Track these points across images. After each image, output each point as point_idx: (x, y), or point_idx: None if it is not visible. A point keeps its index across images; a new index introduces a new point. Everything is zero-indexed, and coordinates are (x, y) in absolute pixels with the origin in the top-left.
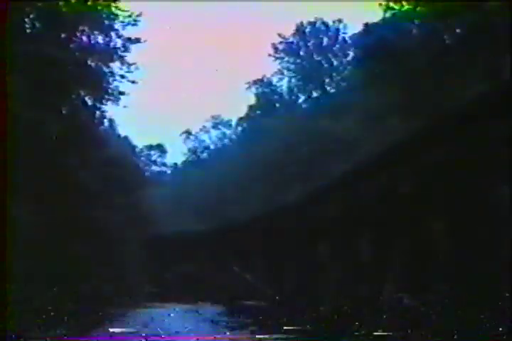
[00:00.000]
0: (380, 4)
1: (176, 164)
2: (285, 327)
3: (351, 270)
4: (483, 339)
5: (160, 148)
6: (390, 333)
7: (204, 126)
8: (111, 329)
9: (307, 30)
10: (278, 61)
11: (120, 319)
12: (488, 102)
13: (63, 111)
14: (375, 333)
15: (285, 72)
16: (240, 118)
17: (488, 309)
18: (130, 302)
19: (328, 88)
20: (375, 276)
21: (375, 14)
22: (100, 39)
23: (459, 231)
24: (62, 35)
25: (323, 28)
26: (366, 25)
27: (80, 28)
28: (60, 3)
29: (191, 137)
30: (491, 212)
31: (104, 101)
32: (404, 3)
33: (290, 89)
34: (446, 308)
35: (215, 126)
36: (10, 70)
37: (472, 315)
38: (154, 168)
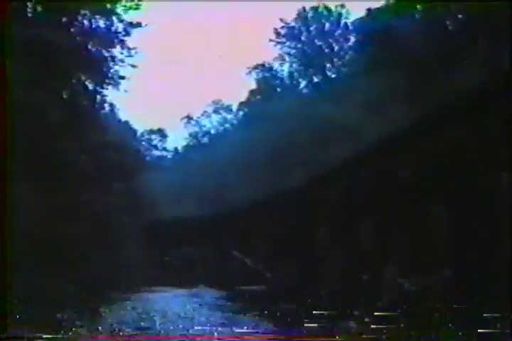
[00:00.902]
0: None
1: (176, 149)
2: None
3: (352, 255)
4: (482, 325)
5: (161, 133)
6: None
7: (205, 111)
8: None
9: (309, 15)
10: (279, 46)
11: (120, 303)
12: (489, 90)
13: (64, 96)
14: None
15: (286, 57)
16: (241, 103)
17: (488, 295)
18: (130, 287)
19: (329, 73)
20: (375, 261)
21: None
22: (101, 23)
23: (459, 218)
24: (63, 19)
25: (325, 13)
26: (369, 10)
27: (81, 11)
28: None
29: (192, 122)
30: (491, 198)
31: (104, 85)
32: None
33: (291, 74)
34: (447, 294)
35: (216, 111)
36: (10, 55)
37: (472, 301)
38: (155, 152)
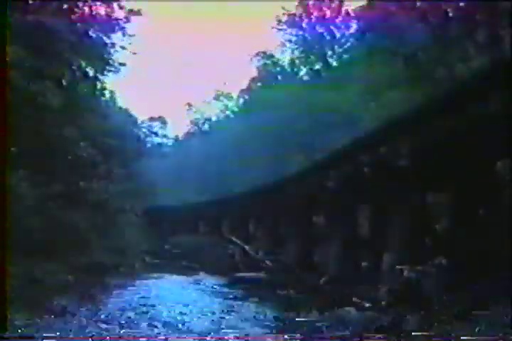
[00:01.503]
0: None
1: (177, 136)
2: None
3: (351, 242)
4: (481, 313)
5: (161, 120)
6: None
7: (206, 98)
8: None
9: (311, 2)
10: (280, 33)
11: (120, 290)
12: (489, 76)
13: (64, 82)
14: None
15: (287, 44)
16: (242, 90)
17: (488, 282)
18: (130, 274)
19: (330, 60)
20: (374, 248)
21: None
22: (102, 10)
23: (459, 205)
24: (64, 6)
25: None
26: None
27: None
28: None
29: (193, 109)
30: (492, 186)
31: (105, 72)
32: None
33: (292, 62)
34: (446, 281)
35: (216, 98)
36: (10, 41)
37: (472, 289)
38: (156, 139)
